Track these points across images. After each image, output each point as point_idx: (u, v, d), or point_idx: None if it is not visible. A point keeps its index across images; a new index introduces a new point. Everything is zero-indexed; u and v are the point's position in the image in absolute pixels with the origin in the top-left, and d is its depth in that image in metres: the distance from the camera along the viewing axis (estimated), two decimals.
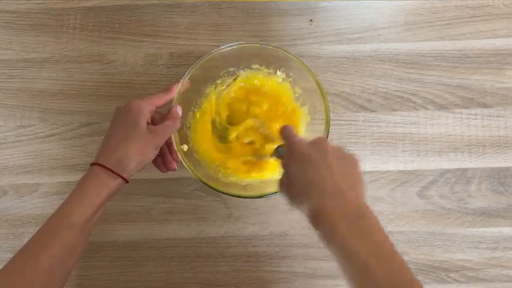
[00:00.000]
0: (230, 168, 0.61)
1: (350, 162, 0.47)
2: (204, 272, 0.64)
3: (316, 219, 0.43)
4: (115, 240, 0.64)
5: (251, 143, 0.62)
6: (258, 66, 0.62)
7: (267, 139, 0.61)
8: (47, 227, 0.47)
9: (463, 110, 0.66)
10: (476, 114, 0.66)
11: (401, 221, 0.64)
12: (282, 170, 0.49)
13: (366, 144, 0.65)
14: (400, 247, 0.64)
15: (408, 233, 0.64)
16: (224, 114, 0.63)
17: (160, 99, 0.55)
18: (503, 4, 0.68)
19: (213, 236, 0.64)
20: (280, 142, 0.54)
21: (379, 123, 0.66)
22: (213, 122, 0.63)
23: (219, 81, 0.63)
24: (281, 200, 0.64)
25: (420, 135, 0.65)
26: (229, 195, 0.56)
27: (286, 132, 0.51)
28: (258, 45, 0.58)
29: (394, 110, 0.66)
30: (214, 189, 0.55)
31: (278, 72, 0.62)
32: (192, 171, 0.55)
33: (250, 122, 0.61)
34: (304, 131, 0.62)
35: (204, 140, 0.62)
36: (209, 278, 0.63)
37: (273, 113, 0.62)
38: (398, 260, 0.41)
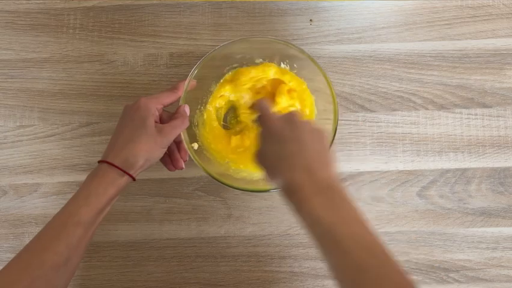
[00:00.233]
0: (241, 163, 0.61)
1: (320, 136, 0.48)
2: (204, 272, 0.64)
3: (289, 192, 0.44)
4: (115, 240, 0.64)
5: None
6: (261, 60, 0.62)
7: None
8: (53, 224, 0.47)
9: (463, 110, 0.66)
10: (476, 114, 0.66)
11: (401, 221, 0.64)
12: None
13: (366, 144, 0.65)
14: (400, 247, 0.64)
15: (408, 233, 0.64)
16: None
17: (168, 98, 0.55)
18: (503, 4, 0.68)
19: (213, 236, 0.64)
20: None
21: (379, 123, 0.66)
22: (217, 112, 0.63)
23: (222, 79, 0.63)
24: (281, 200, 0.64)
25: (420, 135, 0.65)
26: (242, 190, 0.56)
27: (260, 105, 0.51)
28: (260, 38, 0.58)
29: (394, 110, 0.66)
30: (227, 185, 0.55)
31: (282, 65, 0.62)
32: (204, 168, 0.55)
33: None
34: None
35: (214, 137, 0.62)
36: (209, 278, 0.63)
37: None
38: (364, 225, 0.41)
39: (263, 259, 0.64)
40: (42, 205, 0.64)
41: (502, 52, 0.67)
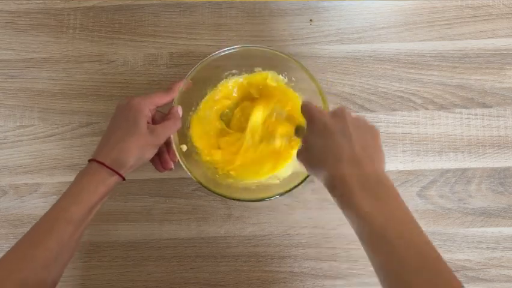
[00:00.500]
0: (229, 170, 0.61)
1: (369, 132, 0.47)
2: (204, 272, 0.64)
3: (333, 185, 0.44)
4: (115, 240, 0.64)
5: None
6: (260, 69, 0.62)
7: (281, 121, 0.61)
8: (44, 221, 0.47)
9: (463, 110, 0.66)
10: (476, 114, 0.66)
11: None
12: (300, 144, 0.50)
13: None
14: None
15: None
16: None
17: (161, 99, 0.55)
18: (503, 4, 0.68)
19: (213, 236, 0.64)
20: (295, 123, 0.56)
21: (379, 123, 0.66)
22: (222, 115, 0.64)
23: (220, 84, 0.63)
24: (281, 200, 0.64)
25: (420, 135, 0.65)
26: (223, 196, 0.56)
27: (307, 107, 0.50)
28: (261, 48, 0.58)
29: (394, 110, 0.66)
30: (210, 190, 0.55)
31: (281, 77, 0.62)
32: (189, 170, 0.55)
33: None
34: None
35: (204, 141, 0.62)
36: (209, 278, 0.63)
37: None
38: (412, 223, 0.41)
39: (263, 259, 0.64)
40: (42, 205, 0.64)
41: (502, 52, 0.67)
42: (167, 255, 0.64)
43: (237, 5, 0.68)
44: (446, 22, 0.67)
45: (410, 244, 0.39)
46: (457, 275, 0.63)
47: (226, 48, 0.57)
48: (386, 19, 0.68)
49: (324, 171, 0.45)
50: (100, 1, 0.68)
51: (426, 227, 0.64)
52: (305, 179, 0.55)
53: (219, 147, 0.62)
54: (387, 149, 0.65)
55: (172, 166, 0.57)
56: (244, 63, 0.61)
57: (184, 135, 0.61)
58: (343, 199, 0.43)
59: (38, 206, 0.64)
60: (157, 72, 0.66)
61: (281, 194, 0.56)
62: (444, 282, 0.37)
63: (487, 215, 0.64)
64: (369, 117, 0.66)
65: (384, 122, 0.66)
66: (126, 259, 0.64)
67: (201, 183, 0.55)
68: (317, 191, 0.64)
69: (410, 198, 0.64)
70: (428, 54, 0.67)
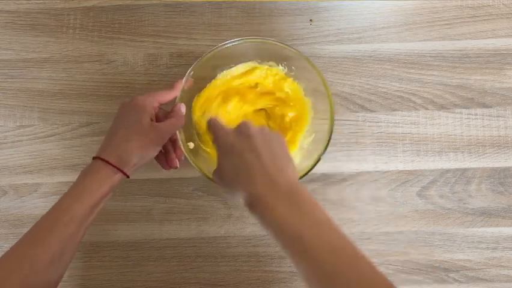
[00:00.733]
0: None
1: (275, 141, 0.47)
2: (204, 272, 0.64)
3: (251, 205, 0.43)
4: (115, 240, 0.64)
5: None
6: (259, 61, 0.62)
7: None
8: (46, 219, 0.47)
9: (463, 110, 0.66)
10: (476, 114, 0.66)
11: (401, 221, 0.64)
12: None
13: (366, 144, 0.65)
14: (400, 247, 0.64)
15: (408, 233, 0.64)
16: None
17: (164, 96, 0.55)
18: (503, 4, 0.68)
19: (213, 236, 0.64)
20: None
21: (379, 123, 0.66)
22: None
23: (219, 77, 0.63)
24: None
25: (420, 135, 0.65)
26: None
27: (211, 125, 0.50)
28: (262, 40, 0.58)
29: (394, 110, 0.66)
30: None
31: (280, 67, 0.62)
32: (197, 166, 0.55)
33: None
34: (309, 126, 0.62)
35: (208, 138, 0.62)
36: (209, 278, 0.63)
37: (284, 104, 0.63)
38: (332, 228, 0.40)
39: (263, 259, 0.64)
40: (42, 205, 0.64)
41: (502, 52, 0.67)
42: (167, 255, 0.64)
43: (237, 5, 0.68)
44: (446, 22, 0.67)
45: (329, 250, 0.39)
46: (457, 275, 0.63)
47: (222, 44, 0.57)
48: (386, 19, 0.68)
49: (240, 191, 0.45)
50: (100, 1, 0.68)
51: (427, 227, 0.64)
52: (302, 176, 0.55)
53: None
54: (387, 149, 0.65)
55: (178, 164, 0.57)
56: (243, 56, 0.62)
57: (190, 132, 0.61)
58: (261, 215, 0.42)
59: (38, 206, 0.64)
60: (157, 72, 0.66)
61: None
62: (365, 284, 0.37)
63: (487, 215, 0.64)
64: (369, 117, 0.66)
65: (384, 122, 0.66)
66: (126, 259, 0.64)
67: (209, 178, 0.55)
68: (316, 191, 0.64)
69: (410, 198, 0.64)
70: (428, 54, 0.67)
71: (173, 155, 0.57)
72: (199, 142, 0.62)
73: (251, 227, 0.64)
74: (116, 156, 0.50)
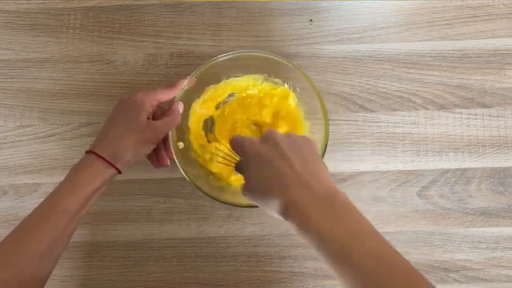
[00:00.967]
0: (221, 172, 0.61)
1: (304, 145, 0.45)
2: (204, 272, 0.64)
3: (287, 213, 0.41)
4: (115, 240, 0.64)
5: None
6: (266, 75, 0.62)
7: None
8: (38, 212, 0.47)
9: (463, 110, 0.66)
10: (476, 114, 0.66)
11: (401, 221, 0.64)
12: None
13: (366, 144, 0.65)
14: (400, 247, 0.63)
15: (408, 233, 0.64)
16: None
17: (164, 95, 0.55)
18: (503, 4, 0.68)
19: (213, 236, 0.64)
20: None
21: (379, 123, 0.66)
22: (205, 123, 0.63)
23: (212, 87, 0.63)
24: None
25: (420, 135, 0.65)
26: (210, 197, 0.55)
27: (234, 142, 0.48)
28: (265, 55, 0.58)
29: (394, 110, 0.66)
30: (199, 189, 0.55)
31: (285, 85, 0.62)
32: (182, 169, 0.55)
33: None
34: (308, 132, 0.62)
35: (197, 141, 0.62)
36: (209, 278, 0.63)
37: (276, 115, 0.63)
38: (378, 237, 0.39)
39: (263, 259, 0.64)
40: None
41: (502, 52, 0.67)
42: (167, 255, 0.64)
43: (237, 5, 0.68)
44: (446, 22, 0.67)
45: (379, 263, 0.36)
46: (457, 275, 0.63)
47: (231, 53, 0.57)
48: (386, 19, 0.68)
49: (273, 200, 0.42)
50: (100, 1, 0.68)
51: (427, 227, 0.64)
52: None
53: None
54: (387, 149, 0.65)
55: (168, 163, 0.57)
56: (247, 68, 0.61)
57: (182, 133, 0.60)
58: (300, 224, 0.40)
59: None
60: (157, 72, 0.66)
61: None
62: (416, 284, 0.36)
63: (487, 215, 0.64)
64: (369, 117, 0.66)
65: (384, 122, 0.66)
66: (126, 259, 0.64)
67: (191, 181, 0.54)
68: None
69: (410, 198, 0.64)
70: (428, 54, 0.67)
71: (164, 153, 0.57)
72: (212, 176, 0.61)
73: (251, 227, 0.64)
74: (110, 151, 0.50)
